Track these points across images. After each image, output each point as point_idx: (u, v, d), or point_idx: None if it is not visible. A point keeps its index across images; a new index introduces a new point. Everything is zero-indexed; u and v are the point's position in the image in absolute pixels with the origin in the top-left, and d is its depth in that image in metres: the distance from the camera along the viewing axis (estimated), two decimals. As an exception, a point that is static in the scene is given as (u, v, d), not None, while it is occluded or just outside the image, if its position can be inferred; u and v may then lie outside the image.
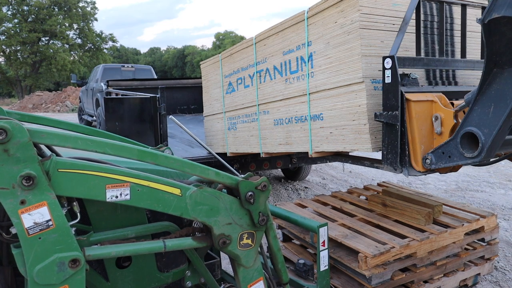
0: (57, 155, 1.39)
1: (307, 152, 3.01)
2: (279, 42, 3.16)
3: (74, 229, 1.35)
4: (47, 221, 1.24)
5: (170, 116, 2.10)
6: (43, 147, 1.42)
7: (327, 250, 1.95)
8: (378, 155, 2.54)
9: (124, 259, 1.62)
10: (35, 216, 1.22)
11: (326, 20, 2.66)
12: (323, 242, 1.93)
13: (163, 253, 1.68)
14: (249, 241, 1.57)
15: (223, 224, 1.50)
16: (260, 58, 3.44)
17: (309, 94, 2.90)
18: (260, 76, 3.47)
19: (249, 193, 1.52)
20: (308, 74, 2.88)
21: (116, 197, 1.33)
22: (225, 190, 1.59)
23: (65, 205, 1.33)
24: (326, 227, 1.95)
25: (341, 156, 3.01)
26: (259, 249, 1.67)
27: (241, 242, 1.55)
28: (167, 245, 1.45)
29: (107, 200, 1.31)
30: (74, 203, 1.37)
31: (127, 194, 1.34)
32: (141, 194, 1.36)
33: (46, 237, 1.24)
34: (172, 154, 2.24)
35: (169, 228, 1.65)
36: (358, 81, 2.45)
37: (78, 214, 1.37)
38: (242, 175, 1.59)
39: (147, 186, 1.37)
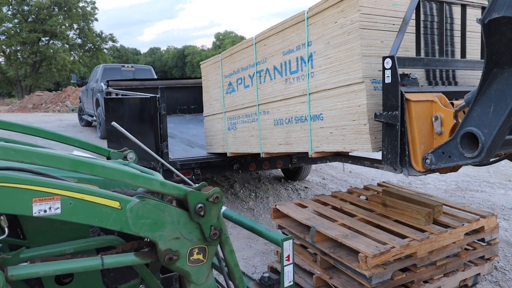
0: None
1: (307, 152, 3.01)
2: (279, 42, 3.16)
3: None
4: None
5: (113, 122, 2.01)
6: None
7: (292, 265, 1.84)
8: (378, 155, 2.54)
9: (65, 274, 1.47)
10: None
11: (326, 20, 2.66)
12: (288, 256, 1.82)
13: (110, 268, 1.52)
14: (200, 257, 1.46)
15: (170, 239, 1.38)
16: (260, 58, 3.44)
17: (309, 94, 2.89)
18: (260, 76, 3.47)
19: (199, 205, 1.40)
20: (308, 74, 2.88)
21: (45, 211, 1.20)
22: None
23: None
24: (290, 240, 1.82)
25: (341, 156, 3.01)
26: (220, 264, 1.59)
27: (191, 258, 1.44)
28: (105, 263, 1.32)
29: (34, 214, 1.19)
30: (1, 217, 1.25)
31: (57, 208, 1.21)
32: (74, 208, 1.23)
33: None
34: (136, 158, 2.15)
35: (114, 242, 1.52)
36: (358, 81, 2.45)
37: (6, 229, 1.25)
38: (197, 185, 1.48)
39: (81, 199, 1.25)
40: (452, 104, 2.23)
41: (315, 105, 2.86)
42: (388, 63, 2.24)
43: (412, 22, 2.46)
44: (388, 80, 2.25)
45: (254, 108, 3.62)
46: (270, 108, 3.40)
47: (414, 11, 2.42)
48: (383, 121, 2.31)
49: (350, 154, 3.04)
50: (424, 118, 2.23)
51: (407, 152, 2.26)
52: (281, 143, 3.33)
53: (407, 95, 2.22)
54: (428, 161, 2.18)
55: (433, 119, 2.23)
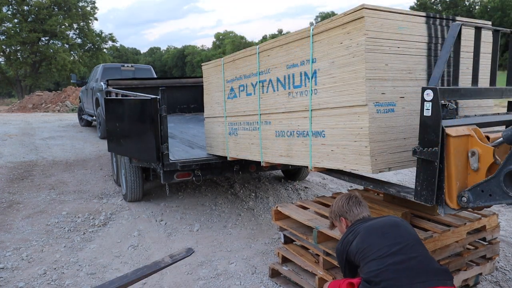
0: None
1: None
2: (283, 55, 3.13)
3: None
4: None
5: None
6: None
7: None
8: (378, 176, 2.50)
9: None
10: None
11: (331, 40, 2.61)
12: None
13: None
14: None
15: None
16: (263, 68, 3.41)
17: (311, 110, 2.87)
18: (263, 86, 3.44)
19: None
20: (312, 90, 2.85)
21: None
22: None
23: None
24: None
25: (339, 173, 2.98)
26: None
27: None
28: None
29: None
30: None
31: None
32: None
33: None
34: None
35: None
36: (361, 104, 2.41)
37: None
38: None
39: None
40: (488, 138, 2.09)
41: (317, 122, 2.84)
42: (429, 95, 2.04)
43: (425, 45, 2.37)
44: (427, 113, 2.06)
45: (256, 117, 3.60)
46: (272, 119, 3.37)
47: (456, 37, 2.24)
48: (421, 158, 2.15)
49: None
50: (460, 153, 2.07)
51: (443, 190, 2.11)
52: (282, 155, 3.31)
53: (447, 130, 2.04)
54: (464, 199, 2.04)
55: (469, 154, 2.06)
